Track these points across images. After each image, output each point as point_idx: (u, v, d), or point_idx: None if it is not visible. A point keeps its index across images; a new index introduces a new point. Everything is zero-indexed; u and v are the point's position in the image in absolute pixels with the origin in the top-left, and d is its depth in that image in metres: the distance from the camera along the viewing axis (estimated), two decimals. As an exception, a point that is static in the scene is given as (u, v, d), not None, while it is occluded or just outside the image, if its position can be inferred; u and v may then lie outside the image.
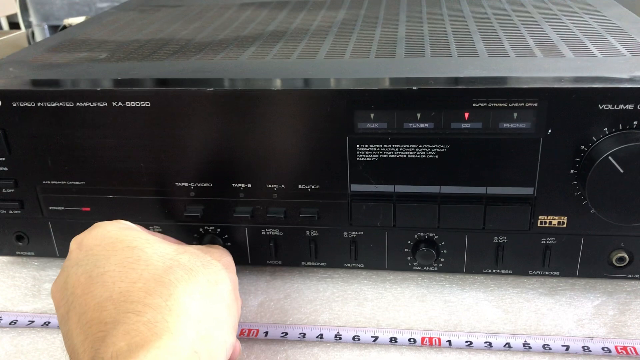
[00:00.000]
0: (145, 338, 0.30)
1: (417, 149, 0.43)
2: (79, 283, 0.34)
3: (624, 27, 0.54)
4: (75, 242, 0.39)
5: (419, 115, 0.42)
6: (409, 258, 0.48)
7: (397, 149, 0.44)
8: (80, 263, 0.36)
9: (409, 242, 0.47)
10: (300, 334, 0.44)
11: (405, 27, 0.57)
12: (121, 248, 0.36)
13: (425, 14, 0.62)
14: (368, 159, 0.44)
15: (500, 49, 0.49)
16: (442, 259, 0.47)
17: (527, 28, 0.55)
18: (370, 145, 0.44)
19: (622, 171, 0.39)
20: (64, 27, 0.82)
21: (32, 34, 0.83)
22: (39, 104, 0.45)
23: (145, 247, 0.36)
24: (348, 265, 0.49)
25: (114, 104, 0.44)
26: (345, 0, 0.71)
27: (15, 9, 0.93)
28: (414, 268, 0.48)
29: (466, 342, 0.42)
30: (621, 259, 0.45)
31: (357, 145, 0.44)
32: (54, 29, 1.69)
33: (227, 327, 0.36)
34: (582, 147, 0.41)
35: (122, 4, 0.78)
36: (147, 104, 0.44)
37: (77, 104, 0.45)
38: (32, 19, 1.68)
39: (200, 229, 0.48)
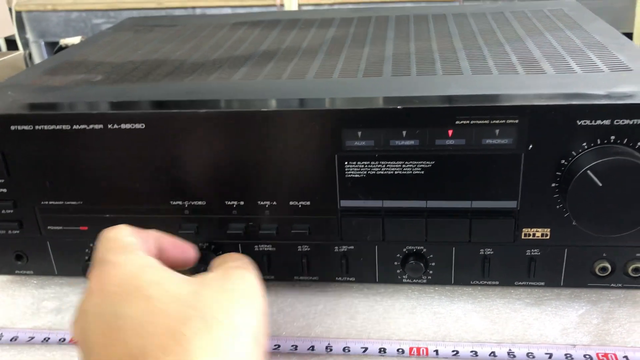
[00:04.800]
0: None
1: (403, 166, 0.45)
2: (99, 331, 0.33)
3: (604, 42, 0.55)
4: (96, 280, 0.36)
5: (404, 133, 0.44)
6: (398, 271, 0.49)
7: (384, 166, 0.45)
8: (99, 310, 0.34)
9: (398, 255, 0.48)
10: (292, 346, 0.45)
11: (392, 45, 0.59)
12: (138, 298, 0.34)
13: (412, 32, 0.64)
14: (357, 175, 0.45)
15: (484, 66, 0.51)
16: (431, 272, 0.49)
17: (511, 45, 0.56)
18: (359, 163, 0.45)
19: (600, 184, 0.41)
20: (61, 47, 0.84)
21: (30, 55, 0.84)
22: (36, 127, 0.46)
23: (160, 296, 0.34)
24: (340, 279, 0.50)
25: (109, 126, 0.46)
26: (335, 18, 0.72)
27: (13, 30, 0.95)
28: (404, 281, 0.49)
29: (453, 351, 0.43)
30: (604, 269, 0.46)
31: (346, 163, 0.45)
32: (50, 45, 1.71)
33: None
34: (563, 161, 0.43)
35: (118, 24, 0.79)
36: (142, 125, 0.45)
37: (74, 127, 0.46)
38: (29, 36, 1.70)
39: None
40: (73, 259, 0.51)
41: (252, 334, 0.34)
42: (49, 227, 0.51)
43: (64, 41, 0.84)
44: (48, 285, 0.54)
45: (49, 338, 0.47)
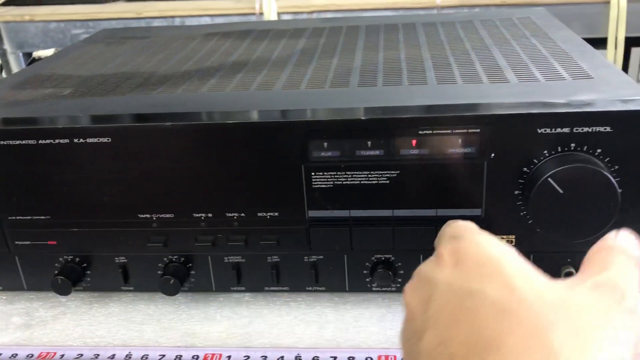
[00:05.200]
0: None
1: (369, 175, 0.45)
2: (447, 305, 0.30)
3: (568, 50, 0.56)
4: (451, 254, 0.33)
5: (369, 143, 0.44)
6: (368, 280, 0.49)
7: (350, 176, 0.45)
8: (452, 284, 0.31)
9: (367, 264, 0.49)
10: (262, 356, 0.45)
11: (361, 55, 0.60)
12: (499, 284, 0.30)
13: (382, 41, 0.64)
14: (323, 186, 0.46)
15: (449, 76, 0.51)
16: (400, 280, 0.49)
17: (478, 54, 0.57)
18: (325, 173, 0.45)
19: (561, 191, 0.42)
20: (33, 59, 0.84)
21: (6, 63, 0.84)
22: (2, 142, 0.46)
23: (526, 288, 0.30)
24: (310, 288, 0.50)
25: (75, 140, 0.46)
26: (307, 28, 0.73)
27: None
28: (374, 289, 0.50)
29: None
30: (569, 274, 0.47)
31: (313, 173, 0.45)
32: (28, 56, 1.70)
33: None
34: (525, 169, 0.43)
35: (90, 37, 0.79)
36: (108, 139, 0.45)
37: (40, 141, 0.46)
38: (7, 46, 1.68)
39: (164, 259, 0.50)
40: (42, 274, 0.51)
41: None
42: (17, 242, 0.50)
43: (37, 53, 0.84)
44: (17, 300, 0.54)
45: (16, 354, 0.47)
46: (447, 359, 0.28)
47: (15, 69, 1.65)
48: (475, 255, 0.32)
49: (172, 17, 1.55)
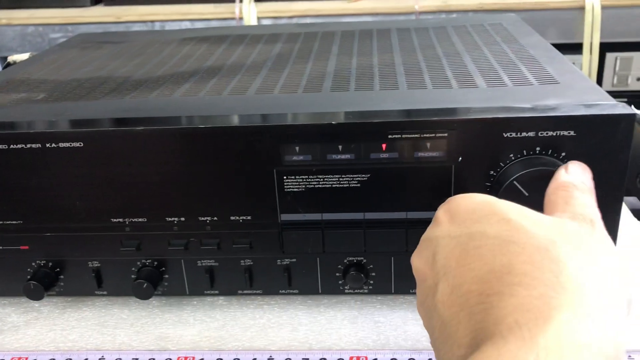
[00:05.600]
0: (542, 313, 0.27)
1: (340, 179, 0.46)
2: (452, 254, 0.32)
3: (536, 56, 0.57)
4: (444, 212, 0.36)
5: (340, 147, 0.45)
6: (340, 282, 0.50)
7: (322, 179, 0.46)
8: (452, 234, 0.34)
9: (340, 266, 0.49)
10: (234, 359, 0.45)
11: (335, 60, 0.60)
12: (496, 221, 0.33)
13: (356, 47, 0.65)
14: (296, 189, 0.46)
15: (420, 81, 0.52)
16: (372, 282, 0.50)
17: (449, 59, 0.58)
18: (297, 177, 0.46)
19: (527, 194, 0.43)
20: (8, 63, 0.83)
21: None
22: (-27, 147, 0.46)
23: (521, 219, 0.33)
24: (283, 291, 0.51)
25: (47, 145, 0.46)
26: (283, 34, 0.74)
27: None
28: (346, 291, 0.50)
29: (391, 359, 0.44)
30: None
31: (285, 177, 0.46)
32: (4, 60, 1.69)
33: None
34: (492, 172, 0.44)
35: (65, 41, 0.79)
36: (80, 144, 0.45)
37: (12, 146, 0.46)
38: (-16, 51, 1.67)
39: (138, 262, 0.50)
40: (14, 279, 0.51)
41: (621, 275, 0.31)
42: (-11, 247, 0.50)
43: (12, 57, 0.83)
44: (-10, 305, 0.53)
45: (-12, 360, 0.47)
46: (462, 301, 0.30)
47: (-8, 73, 1.63)
48: (466, 206, 0.35)
49: (152, 21, 1.55)
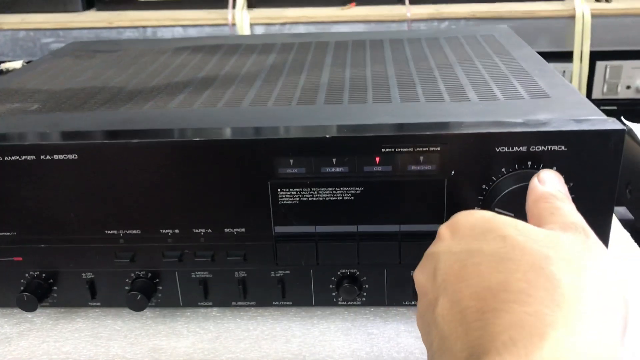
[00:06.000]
0: (537, 329, 0.28)
1: (334, 192, 0.46)
2: (452, 269, 0.33)
3: (528, 69, 0.58)
4: (446, 228, 0.37)
5: (334, 160, 0.45)
6: (333, 294, 0.50)
7: (316, 192, 0.46)
8: (452, 250, 0.35)
9: (333, 278, 0.50)
10: (228, 373, 0.46)
11: (329, 72, 0.61)
12: (493, 237, 0.34)
13: (349, 59, 0.66)
14: (289, 202, 0.47)
15: (412, 94, 0.52)
16: (365, 294, 0.50)
17: (441, 72, 0.59)
18: (291, 189, 0.46)
19: (517, 208, 0.43)
20: (1, 71, 0.83)
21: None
22: (-33, 158, 0.46)
23: (517, 235, 0.33)
24: (277, 303, 0.51)
25: (42, 157, 0.46)
26: (276, 44, 0.74)
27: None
28: (340, 303, 0.51)
29: (384, 373, 0.44)
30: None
31: (279, 190, 0.46)
32: (-3, 65, 1.68)
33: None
34: (484, 186, 0.45)
35: (59, 49, 0.79)
36: (75, 156, 0.45)
37: (6, 157, 0.46)
38: (-25, 55, 1.66)
39: (132, 274, 0.50)
40: (7, 290, 0.51)
41: (619, 292, 0.31)
42: (-18, 259, 0.50)
43: (4, 65, 0.83)
44: (-18, 317, 0.53)
45: (-19, 372, 0.47)
46: (460, 316, 0.31)
47: (-17, 77, 1.62)
48: (466, 222, 0.36)
49: (144, 27, 1.54)
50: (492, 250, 0.33)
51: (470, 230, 0.36)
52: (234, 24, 1.53)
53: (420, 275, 0.37)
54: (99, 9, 1.61)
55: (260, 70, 0.63)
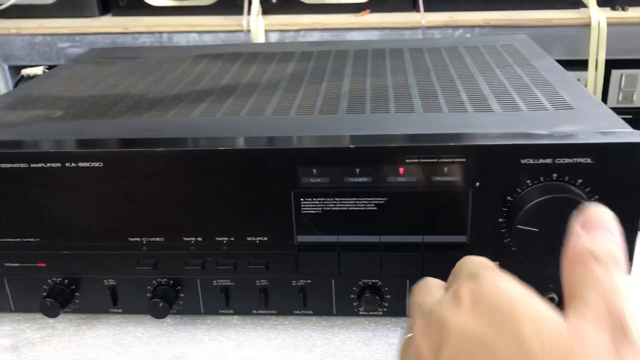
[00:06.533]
0: None
1: (357, 202, 0.46)
2: (458, 357, 0.29)
3: (550, 80, 0.58)
4: (469, 292, 0.31)
5: (357, 170, 0.45)
6: (355, 304, 0.50)
7: (339, 202, 0.46)
8: (465, 330, 0.30)
9: (355, 288, 0.50)
10: (250, 382, 0.46)
11: (349, 81, 0.61)
12: (510, 333, 0.29)
13: (369, 67, 0.66)
14: (312, 211, 0.47)
15: (435, 104, 0.52)
16: (386, 304, 0.50)
17: (462, 81, 0.59)
18: (314, 199, 0.46)
19: (543, 221, 0.43)
20: (22, 77, 0.84)
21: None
22: (-7, 165, 0.47)
23: (534, 338, 0.28)
24: (297, 312, 0.51)
25: (67, 164, 0.46)
26: (295, 52, 0.74)
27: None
28: (360, 313, 0.51)
29: (407, 385, 0.44)
30: (551, 299, 0.48)
31: (302, 199, 0.46)
32: (14, 69, 1.69)
33: None
34: (508, 197, 0.45)
35: (80, 55, 0.80)
36: (100, 164, 0.46)
37: (32, 165, 0.46)
38: (-8, 59, 1.68)
39: (154, 281, 0.50)
40: (30, 296, 0.51)
41: None
42: (6, 264, 0.50)
43: (25, 71, 0.84)
44: (4, 322, 0.53)
45: (4, 377, 0.47)
46: None
47: (1, 81, 1.64)
48: (492, 299, 0.30)
49: (160, 32, 1.55)
50: (504, 353, 0.28)
51: (492, 311, 0.30)
52: (248, 31, 1.54)
53: (423, 340, 0.31)
54: (115, 15, 1.62)
55: (280, 79, 0.63)
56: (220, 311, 0.51)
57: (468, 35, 1.44)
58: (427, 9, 1.50)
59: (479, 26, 1.47)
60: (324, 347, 0.49)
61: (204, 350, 0.49)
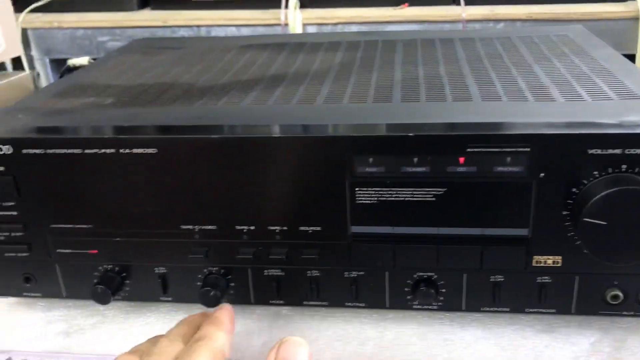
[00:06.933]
0: None
1: (414, 192, 0.45)
2: None
3: (612, 69, 0.56)
4: None
5: (415, 159, 0.44)
6: (409, 297, 0.49)
7: (395, 192, 0.45)
8: None
9: (409, 281, 0.48)
10: (303, 374, 0.45)
11: (401, 70, 0.59)
12: None
13: (420, 57, 0.64)
14: (367, 201, 0.46)
15: (493, 92, 0.51)
16: (442, 298, 0.48)
17: (519, 70, 0.57)
18: (370, 189, 0.45)
19: (610, 214, 0.41)
20: (69, 67, 0.85)
21: (38, 74, 0.85)
22: (47, 151, 0.47)
23: None
24: (349, 304, 0.50)
25: (121, 151, 0.46)
26: (342, 42, 0.73)
27: (20, 51, 0.96)
28: (414, 307, 0.49)
29: (466, 381, 0.43)
30: (615, 297, 0.46)
31: (357, 189, 0.45)
32: (55, 62, 1.72)
33: None
34: (574, 189, 0.43)
35: (125, 46, 0.80)
36: (154, 150, 0.45)
37: (85, 151, 0.46)
38: (34, 53, 1.71)
39: (205, 270, 0.50)
40: (82, 282, 0.51)
41: None
42: (58, 250, 0.50)
43: (71, 61, 0.85)
44: (56, 307, 0.54)
45: (57, 363, 0.47)
46: None
47: (42, 75, 1.67)
48: None
49: (198, 26, 1.56)
50: None
51: None
52: (286, 24, 1.53)
53: None
54: (154, 8, 1.63)
55: (329, 68, 0.62)
56: (270, 301, 0.51)
57: (510, 29, 1.41)
58: (467, 2, 1.47)
59: (521, 20, 1.44)
60: (377, 340, 0.48)
61: (254, 340, 0.49)
